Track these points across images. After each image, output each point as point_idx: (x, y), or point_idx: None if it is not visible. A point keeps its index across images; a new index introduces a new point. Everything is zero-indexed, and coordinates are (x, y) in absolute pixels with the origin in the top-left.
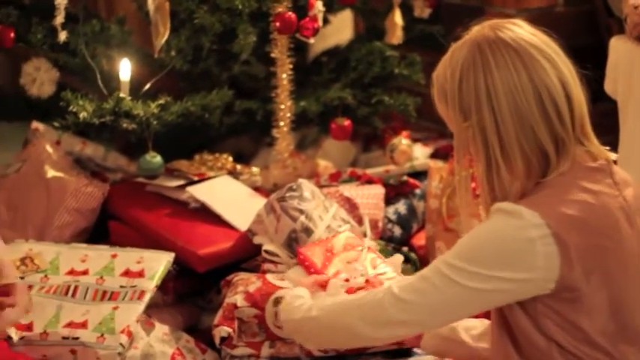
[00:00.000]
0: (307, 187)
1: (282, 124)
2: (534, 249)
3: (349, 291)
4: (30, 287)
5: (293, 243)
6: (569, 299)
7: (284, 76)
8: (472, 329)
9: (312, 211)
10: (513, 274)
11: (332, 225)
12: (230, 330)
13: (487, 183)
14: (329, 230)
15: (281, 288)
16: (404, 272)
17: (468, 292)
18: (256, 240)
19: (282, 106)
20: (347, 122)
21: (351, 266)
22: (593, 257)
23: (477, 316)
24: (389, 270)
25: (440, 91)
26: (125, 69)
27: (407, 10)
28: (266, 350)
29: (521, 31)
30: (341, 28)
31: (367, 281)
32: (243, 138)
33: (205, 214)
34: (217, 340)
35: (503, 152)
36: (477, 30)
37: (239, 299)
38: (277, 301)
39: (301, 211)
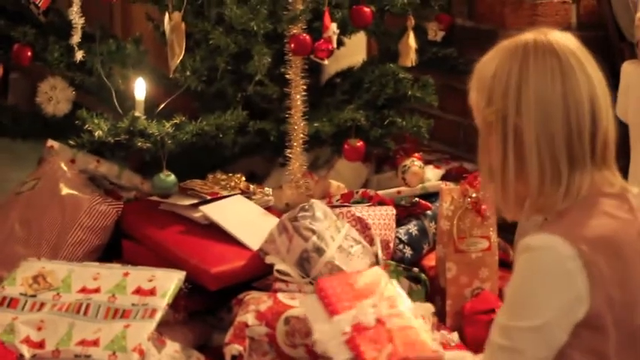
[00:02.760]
0: (319, 207)
1: (295, 144)
2: (574, 279)
3: (355, 328)
4: (42, 305)
5: (305, 263)
6: (595, 327)
7: (298, 97)
8: None
9: (324, 231)
10: (562, 305)
11: (343, 245)
12: (241, 348)
13: (500, 182)
14: (340, 250)
15: (292, 307)
16: (415, 293)
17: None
18: (268, 260)
19: (296, 127)
20: (360, 143)
21: (365, 302)
22: (617, 285)
23: None
24: (405, 309)
25: (476, 76)
26: (140, 88)
27: (420, 33)
28: None
29: (568, 42)
30: (355, 50)
31: (378, 320)
32: (257, 158)
33: (218, 233)
34: (228, 359)
35: (517, 149)
36: (529, 31)
37: (250, 318)
38: (288, 321)
39: (313, 231)
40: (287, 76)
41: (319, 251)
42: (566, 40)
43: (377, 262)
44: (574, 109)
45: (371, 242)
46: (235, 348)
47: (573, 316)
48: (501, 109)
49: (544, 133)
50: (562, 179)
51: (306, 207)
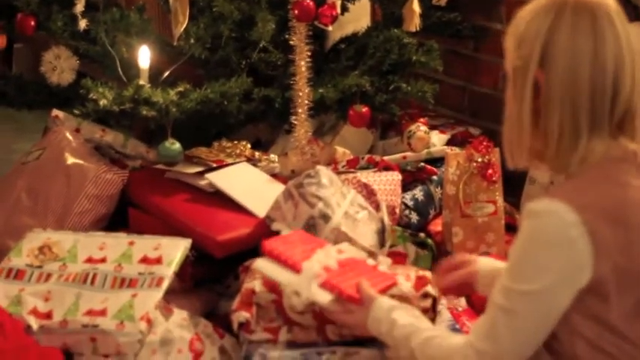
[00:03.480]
0: (325, 173)
1: (300, 111)
2: (576, 247)
3: (325, 269)
4: (49, 276)
5: (311, 229)
6: (599, 294)
7: (302, 64)
8: None
9: (329, 197)
10: (563, 272)
11: (349, 211)
12: (248, 315)
13: (516, 129)
14: (346, 216)
15: None
16: (422, 258)
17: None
18: (274, 226)
19: (301, 94)
20: (365, 109)
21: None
22: (623, 253)
23: None
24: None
25: (514, 22)
26: (144, 57)
27: None
28: (283, 335)
29: (607, 2)
30: (359, 16)
31: (339, 263)
32: (262, 125)
33: (223, 200)
34: (235, 326)
35: (535, 100)
36: None
37: (257, 285)
38: None
39: (319, 198)
40: (291, 42)
41: (325, 218)
42: (606, 0)
43: (383, 228)
44: (600, 69)
45: (377, 208)
46: (242, 315)
47: (575, 283)
48: (526, 55)
49: (569, 91)
50: (580, 140)
51: (312, 173)
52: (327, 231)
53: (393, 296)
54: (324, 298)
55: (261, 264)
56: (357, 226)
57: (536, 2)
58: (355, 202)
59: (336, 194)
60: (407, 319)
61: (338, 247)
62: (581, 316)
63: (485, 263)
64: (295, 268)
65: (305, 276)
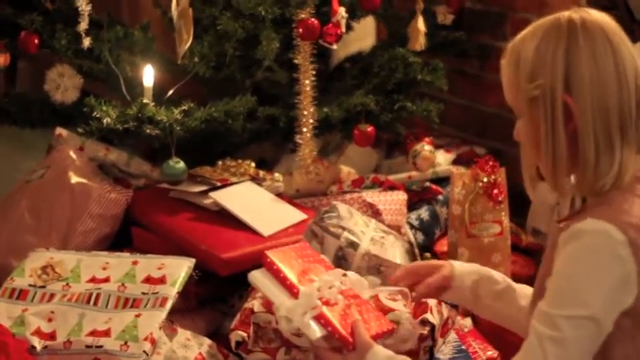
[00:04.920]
0: (342, 206)
1: (305, 130)
2: (625, 266)
3: (325, 303)
4: (52, 296)
5: (342, 261)
6: (636, 315)
7: (307, 83)
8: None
9: (353, 226)
10: (613, 291)
11: (375, 237)
12: (244, 334)
13: (550, 158)
14: (373, 242)
15: None
16: None
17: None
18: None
19: (305, 113)
20: (370, 128)
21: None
22: None
23: None
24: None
25: (512, 53)
26: (148, 75)
27: (429, 17)
28: (281, 356)
29: (608, 20)
30: (364, 35)
31: (342, 293)
32: (266, 144)
33: (228, 219)
34: (233, 345)
35: (567, 124)
36: (563, 10)
37: (256, 304)
38: None
39: (343, 228)
40: (296, 61)
41: (354, 245)
42: (606, 18)
43: (411, 247)
44: (625, 87)
45: (398, 231)
46: (239, 334)
47: (621, 304)
48: (548, 83)
49: (600, 110)
50: (615, 157)
51: (329, 209)
52: (359, 258)
53: (390, 321)
54: (314, 332)
55: (257, 277)
56: (386, 249)
57: (533, 30)
58: (378, 229)
59: (359, 223)
60: None
61: (342, 273)
62: (615, 340)
63: (459, 266)
64: (292, 291)
65: (300, 303)
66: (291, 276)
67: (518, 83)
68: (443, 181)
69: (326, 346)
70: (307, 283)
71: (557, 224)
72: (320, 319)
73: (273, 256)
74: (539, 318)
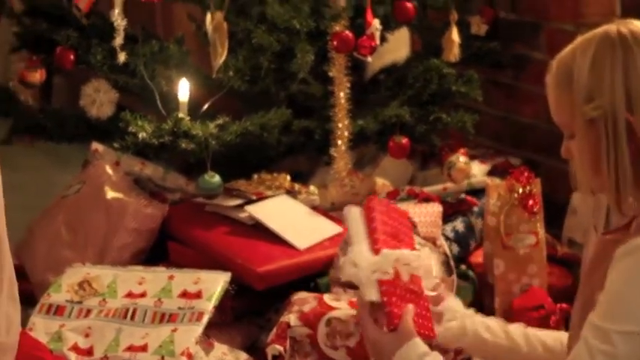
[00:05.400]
0: None
1: (340, 143)
2: None
3: (395, 273)
4: (89, 311)
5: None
6: None
7: (342, 95)
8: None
9: None
10: None
11: None
12: (281, 348)
13: (614, 178)
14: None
15: (335, 309)
16: (463, 290)
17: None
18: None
19: (340, 125)
20: (405, 140)
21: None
22: None
23: None
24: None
25: (562, 72)
26: (184, 89)
27: (464, 28)
28: None
29: None
30: (398, 46)
31: (411, 277)
32: (301, 157)
33: (263, 232)
34: (269, 358)
35: (631, 144)
36: (607, 23)
37: (292, 318)
38: (329, 322)
39: None
40: (330, 74)
41: None
42: None
43: (447, 258)
44: None
45: (434, 243)
46: (276, 348)
47: None
48: (608, 103)
49: None
50: None
51: None
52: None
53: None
54: (371, 294)
55: (352, 213)
56: (423, 262)
57: (583, 47)
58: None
59: None
60: None
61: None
62: None
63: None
64: (374, 245)
65: (376, 261)
66: (381, 231)
67: (572, 104)
68: (478, 192)
69: (372, 317)
70: (390, 247)
71: (603, 236)
72: (382, 285)
73: (376, 204)
74: (591, 331)
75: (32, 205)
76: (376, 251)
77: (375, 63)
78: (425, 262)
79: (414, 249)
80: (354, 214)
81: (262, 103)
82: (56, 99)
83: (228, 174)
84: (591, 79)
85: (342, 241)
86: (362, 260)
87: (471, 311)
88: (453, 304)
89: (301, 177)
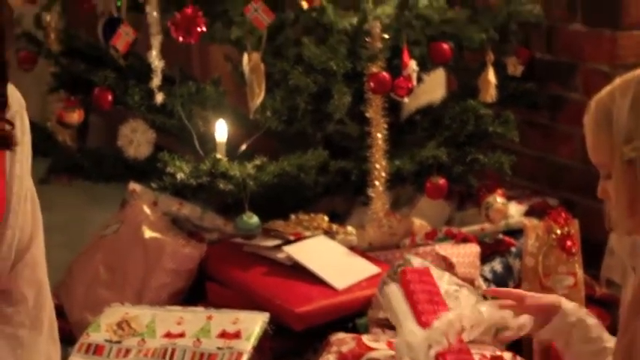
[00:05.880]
0: (416, 260)
1: (377, 183)
2: None
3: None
4: (127, 351)
5: None
6: None
7: (379, 136)
8: None
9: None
10: None
11: (449, 290)
12: None
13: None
14: (447, 295)
15: (374, 349)
16: (501, 331)
17: None
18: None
19: (378, 166)
20: (442, 181)
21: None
22: None
23: None
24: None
25: (601, 112)
26: (221, 130)
27: (500, 68)
28: None
29: None
30: (434, 86)
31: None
32: (337, 196)
33: (302, 273)
34: None
35: None
36: None
37: (331, 359)
38: None
39: None
40: (367, 114)
41: None
42: None
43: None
44: None
45: (472, 283)
46: None
47: None
48: None
49: None
50: None
51: (403, 262)
52: None
53: None
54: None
55: (393, 292)
56: (460, 303)
57: (622, 88)
58: (452, 282)
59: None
60: None
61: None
62: None
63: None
64: (420, 318)
65: (427, 336)
66: (423, 302)
67: (610, 145)
68: (515, 232)
69: None
70: (434, 315)
71: None
72: (440, 357)
73: (410, 275)
74: None
75: (70, 243)
76: (424, 324)
77: (411, 103)
78: (466, 314)
79: (447, 308)
80: (395, 292)
81: (299, 144)
82: (92, 138)
83: (265, 214)
84: (631, 120)
85: (381, 282)
86: (415, 338)
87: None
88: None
89: (338, 217)
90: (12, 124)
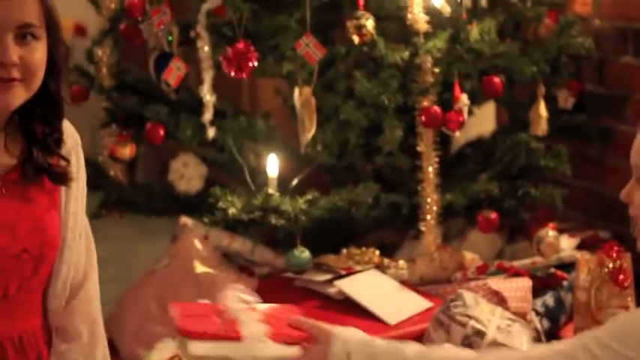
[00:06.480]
0: (468, 295)
1: (429, 217)
2: None
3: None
4: None
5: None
6: None
7: (430, 169)
8: None
9: (479, 315)
10: None
11: (501, 325)
12: None
13: None
14: (500, 330)
15: None
16: None
17: None
18: None
19: (429, 200)
20: (494, 215)
21: None
22: None
23: None
24: None
25: None
26: (273, 165)
27: (551, 101)
28: None
29: None
30: (483, 119)
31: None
32: (387, 229)
33: (353, 308)
34: None
35: None
36: None
37: None
38: None
39: (469, 317)
40: (418, 148)
41: (480, 334)
42: None
43: (538, 334)
44: None
45: (524, 318)
46: None
47: None
48: None
49: None
50: None
51: (455, 297)
52: (485, 347)
53: None
54: (288, 350)
55: (199, 350)
56: (513, 337)
57: None
58: (504, 317)
59: (485, 312)
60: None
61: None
62: None
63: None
64: (234, 337)
65: (252, 340)
66: (220, 327)
67: None
68: (567, 266)
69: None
70: (229, 322)
71: None
72: (274, 336)
73: (188, 325)
74: (592, 338)
75: (121, 277)
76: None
77: (460, 136)
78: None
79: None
80: (202, 349)
81: (349, 177)
82: (140, 171)
83: (316, 248)
84: None
85: (433, 317)
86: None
87: None
88: None
89: (387, 250)
90: (67, 160)
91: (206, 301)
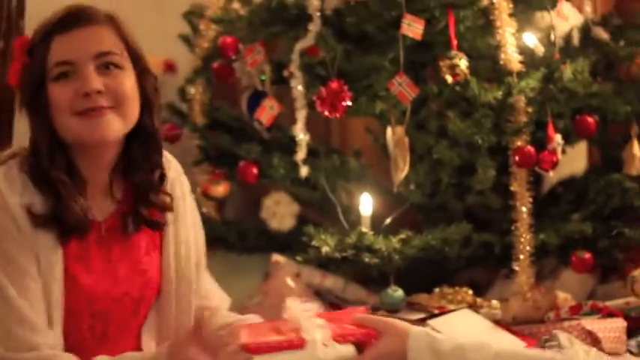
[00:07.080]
0: (562, 335)
1: (522, 257)
2: None
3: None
4: None
5: None
6: None
7: (523, 209)
8: None
9: (573, 356)
10: None
11: None
12: None
13: None
14: None
15: None
16: None
17: None
18: None
19: (522, 239)
20: (588, 255)
21: None
22: None
23: None
24: None
25: None
26: (366, 203)
27: None
28: None
29: None
30: (575, 158)
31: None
32: (479, 269)
33: None
34: None
35: None
36: None
37: None
38: None
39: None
40: (512, 188)
41: None
42: None
43: None
44: None
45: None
46: None
47: None
48: None
49: None
50: None
51: (549, 337)
52: None
53: None
54: (348, 351)
55: None
56: None
57: None
58: (599, 358)
59: (579, 353)
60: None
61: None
62: None
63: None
64: (297, 344)
65: (314, 343)
66: (276, 337)
67: None
68: None
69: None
70: (292, 331)
71: None
72: (337, 337)
73: (253, 343)
74: None
75: None
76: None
77: (553, 175)
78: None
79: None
80: None
81: (441, 216)
82: (231, 209)
83: (408, 287)
84: None
85: None
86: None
87: None
88: None
89: (479, 289)
90: (171, 196)
91: None
